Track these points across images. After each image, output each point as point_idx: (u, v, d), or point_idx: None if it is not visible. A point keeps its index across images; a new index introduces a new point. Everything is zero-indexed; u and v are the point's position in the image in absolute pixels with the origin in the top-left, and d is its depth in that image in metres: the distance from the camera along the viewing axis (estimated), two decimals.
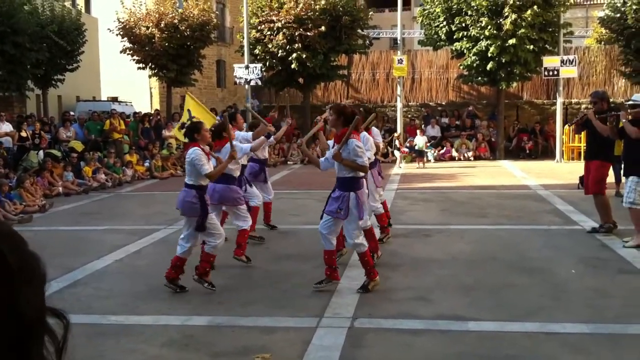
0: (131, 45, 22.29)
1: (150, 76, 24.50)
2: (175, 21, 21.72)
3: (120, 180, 16.17)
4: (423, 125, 22.33)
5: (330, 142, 6.94)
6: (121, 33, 22.26)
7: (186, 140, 7.16)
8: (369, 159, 6.97)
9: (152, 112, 23.34)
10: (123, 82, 28.56)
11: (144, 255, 8.63)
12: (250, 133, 8.76)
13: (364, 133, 7.58)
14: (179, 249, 6.77)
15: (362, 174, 6.49)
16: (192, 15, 22.13)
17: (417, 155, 19.73)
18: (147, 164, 18.02)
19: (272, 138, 8.73)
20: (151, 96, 29.78)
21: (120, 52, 22.69)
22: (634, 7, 19.79)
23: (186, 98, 10.79)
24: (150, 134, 19.85)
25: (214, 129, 7.47)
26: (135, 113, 21.63)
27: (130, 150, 18.43)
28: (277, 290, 6.80)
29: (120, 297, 6.71)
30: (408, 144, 20.66)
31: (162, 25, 21.64)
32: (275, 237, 9.45)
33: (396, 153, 20.06)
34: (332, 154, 6.42)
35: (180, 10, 22.63)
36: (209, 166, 6.68)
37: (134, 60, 22.69)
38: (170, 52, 21.85)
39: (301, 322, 5.76)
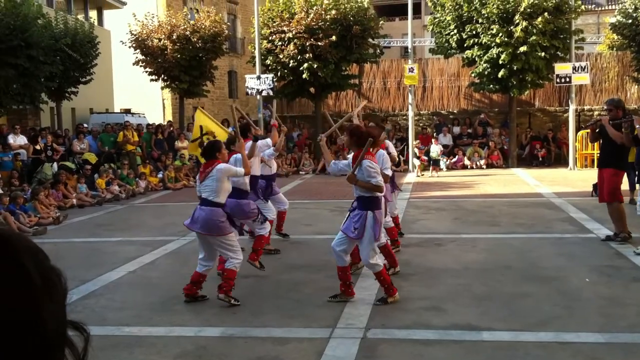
0: (144, 57, 22.45)
1: (162, 88, 24.63)
2: (187, 33, 21.86)
3: (133, 191, 16.27)
4: (435, 134, 22.31)
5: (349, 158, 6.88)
6: (133, 45, 22.42)
7: (203, 159, 7.13)
8: (387, 175, 6.99)
9: (165, 123, 23.46)
10: (136, 93, 28.73)
11: (157, 267, 8.67)
12: (268, 139, 8.77)
13: (380, 150, 7.58)
14: (200, 268, 6.77)
15: (379, 194, 6.47)
16: (203, 26, 22.26)
17: (433, 163, 19.71)
18: (160, 175, 18.12)
19: (272, 149, 8.71)
20: (164, 107, 29.93)
21: (133, 64, 22.86)
22: None
23: (197, 113, 10.82)
24: (163, 145, 19.96)
25: (205, 147, 7.18)
26: (148, 125, 21.76)
27: (143, 162, 18.54)
28: (289, 300, 6.81)
29: (134, 309, 6.74)
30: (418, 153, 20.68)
31: (174, 37, 21.79)
32: (288, 247, 9.46)
33: (415, 161, 20.06)
34: (345, 168, 6.50)
35: (192, 21, 22.78)
36: (239, 168, 6.79)
37: (146, 72, 22.85)
38: (182, 63, 21.99)
39: (314, 333, 5.77)
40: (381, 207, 6.52)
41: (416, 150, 20.69)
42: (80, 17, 25.91)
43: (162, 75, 22.73)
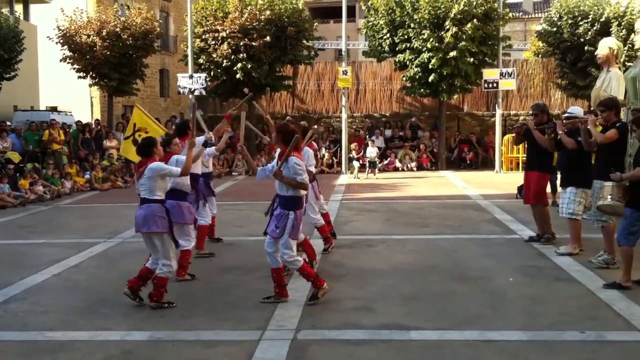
0: (71, 53, 21.80)
1: (91, 85, 23.96)
2: (117, 29, 21.37)
3: (58, 192, 15.76)
4: (368, 136, 22.57)
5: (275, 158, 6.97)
6: (61, 41, 21.76)
7: (137, 158, 6.95)
8: (311, 172, 7.02)
9: (93, 122, 22.83)
10: (63, 91, 27.89)
11: (82, 270, 8.43)
12: (202, 137, 8.62)
13: (306, 147, 7.63)
14: (152, 264, 6.69)
15: (303, 192, 6.57)
16: (134, 23, 21.80)
17: (370, 166, 19.90)
18: (87, 176, 17.62)
19: (213, 148, 8.61)
20: (92, 106, 29.13)
21: (60, 60, 22.16)
22: (569, 21, 20.54)
23: (134, 110, 10.63)
24: (90, 144, 19.41)
25: (139, 145, 6.97)
26: (77, 121, 21.12)
27: (70, 162, 18.00)
28: (220, 303, 6.74)
29: (58, 313, 6.52)
30: (355, 154, 20.88)
31: (103, 33, 21.25)
32: (219, 249, 9.36)
33: (355, 164, 20.21)
34: (272, 171, 6.51)
35: (122, 18, 22.28)
36: (174, 168, 6.68)
37: (74, 69, 22.18)
38: (112, 60, 21.47)
39: (244, 335, 5.73)
40: (302, 207, 6.64)
41: (354, 153, 20.93)
42: (5, 10, 24.95)
43: (91, 73, 22.14)
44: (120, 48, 21.40)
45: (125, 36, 21.37)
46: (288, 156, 6.33)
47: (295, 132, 6.52)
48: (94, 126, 20.86)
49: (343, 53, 22.86)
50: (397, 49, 20.86)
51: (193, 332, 5.85)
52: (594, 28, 20.02)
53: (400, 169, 21.64)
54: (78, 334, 5.87)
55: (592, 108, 10.93)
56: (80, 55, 21.59)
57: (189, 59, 21.38)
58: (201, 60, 21.67)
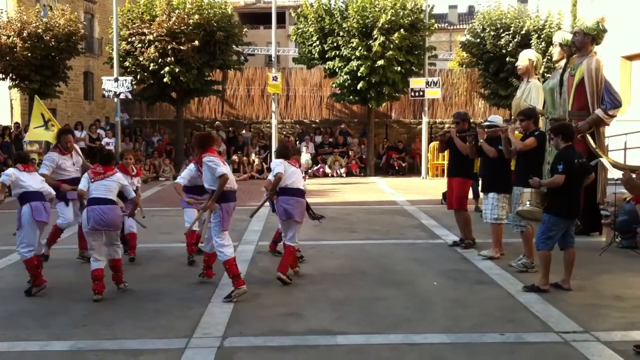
0: None
1: (10, 87, 23.03)
2: (39, 31, 20.66)
3: None
4: (298, 142, 22.64)
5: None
6: None
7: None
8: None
9: (12, 125, 21.95)
10: None
11: (1, 278, 8.10)
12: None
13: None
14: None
15: (228, 187, 6.98)
16: (57, 25, 21.13)
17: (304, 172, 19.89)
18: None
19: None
20: (12, 108, 28.01)
21: None
22: (492, 33, 21.23)
23: (35, 102, 11.05)
24: (10, 148, 18.68)
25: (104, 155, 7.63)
26: None
27: None
28: (145, 310, 6.62)
29: None
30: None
31: (24, 34, 20.51)
32: (145, 255, 9.18)
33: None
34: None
35: (45, 19, 21.55)
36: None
37: None
38: (33, 62, 20.72)
39: (169, 344, 5.64)
40: (230, 202, 7.07)
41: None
42: None
43: (10, 74, 21.30)
44: (43, 49, 20.71)
45: (48, 37, 20.69)
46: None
47: (209, 136, 7.52)
48: (13, 129, 20.07)
49: (273, 59, 22.89)
50: (326, 56, 21.06)
51: (116, 341, 5.72)
52: (515, 40, 20.77)
53: (329, 175, 21.81)
54: None
55: (512, 117, 11.34)
56: (0, 56, 20.76)
57: (115, 61, 20.88)
58: (127, 64, 21.21)
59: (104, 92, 21.21)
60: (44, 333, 5.95)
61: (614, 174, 9.66)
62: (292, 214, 7.73)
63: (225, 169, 7.00)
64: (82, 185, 7.23)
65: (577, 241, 7.51)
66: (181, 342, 5.65)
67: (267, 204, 8.74)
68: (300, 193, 7.88)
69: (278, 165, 7.86)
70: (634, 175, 4.31)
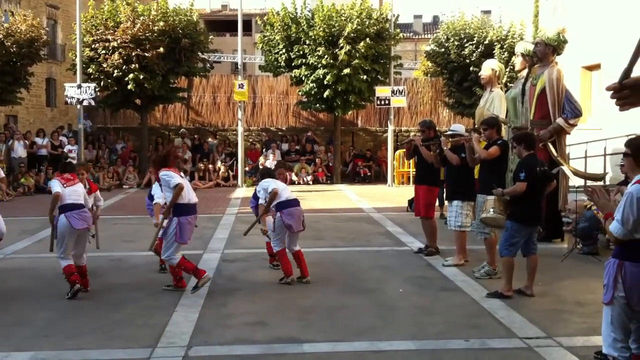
0: None
1: None
2: (0, 36, 20.26)
3: None
4: (264, 150, 22.59)
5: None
6: None
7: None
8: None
9: None
10: None
11: None
12: None
13: None
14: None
15: (183, 200, 7.33)
16: (19, 30, 20.73)
17: None
18: None
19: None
20: None
21: None
22: (456, 43, 21.51)
23: None
24: None
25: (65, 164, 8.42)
26: None
27: None
28: (108, 320, 6.51)
29: None
30: (247, 168, 20.81)
31: None
32: (107, 264, 9.05)
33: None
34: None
35: (5, 24, 21.13)
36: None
37: None
38: None
39: (133, 354, 5.56)
40: (188, 215, 7.39)
41: (260, 166, 20.86)
42: None
43: None
44: (3, 55, 20.28)
45: (9, 43, 20.28)
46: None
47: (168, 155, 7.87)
48: None
49: (239, 67, 22.83)
50: (293, 64, 21.08)
51: (79, 351, 5.62)
52: (479, 50, 21.07)
53: (296, 182, 21.78)
54: None
55: (476, 126, 11.49)
56: None
57: (78, 68, 20.58)
58: (90, 70, 20.92)
59: (67, 98, 20.88)
60: (5, 344, 5.81)
61: (575, 181, 9.91)
62: (295, 228, 8.29)
63: (180, 179, 7.37)
64: (58, 188, 7.44)
65: (539, 248, 7.64)
66: (145, 352, 5.57)
67: (259, 223, 8.75)
68: (297, 202, 8.47)
69: (270, 183, 8.19)
70: (599, 192, 4.43)
